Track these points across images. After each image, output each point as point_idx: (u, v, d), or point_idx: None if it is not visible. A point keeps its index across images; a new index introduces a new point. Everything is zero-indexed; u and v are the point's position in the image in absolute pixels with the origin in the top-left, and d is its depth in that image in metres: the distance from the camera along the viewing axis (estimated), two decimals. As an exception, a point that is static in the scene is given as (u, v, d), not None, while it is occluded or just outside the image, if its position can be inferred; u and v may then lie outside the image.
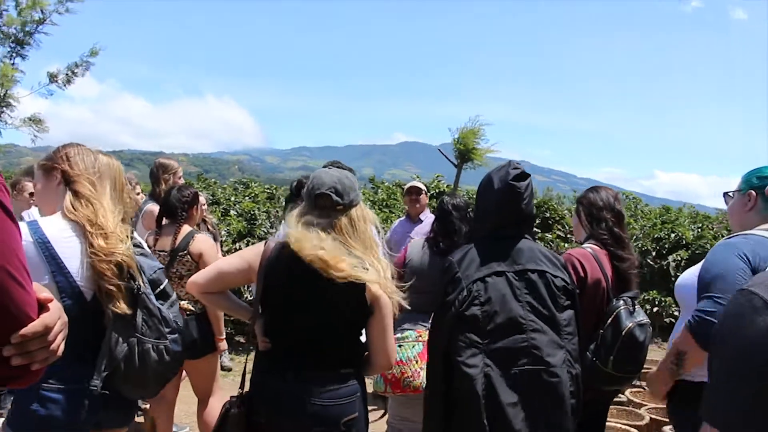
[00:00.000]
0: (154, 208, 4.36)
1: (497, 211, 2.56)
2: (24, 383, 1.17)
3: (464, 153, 8.78)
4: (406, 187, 5.68)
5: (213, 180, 9.59)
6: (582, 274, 2.88)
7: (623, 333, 2.77)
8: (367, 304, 2.31)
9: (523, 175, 2.53)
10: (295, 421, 2.29)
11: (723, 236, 10.95)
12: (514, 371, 2.34)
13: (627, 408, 5.19)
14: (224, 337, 3.98)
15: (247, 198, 8.73)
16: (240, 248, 7.73)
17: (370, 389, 2.97)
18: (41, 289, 1.15)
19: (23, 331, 1.08)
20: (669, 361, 2.42)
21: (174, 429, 4.74)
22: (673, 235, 10.27)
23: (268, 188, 9.53)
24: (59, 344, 1.14)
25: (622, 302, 2.87)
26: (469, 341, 2.38)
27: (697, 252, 10.08)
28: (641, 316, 2.85)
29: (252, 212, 8.12)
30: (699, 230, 10.91)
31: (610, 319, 2.83)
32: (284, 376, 2.31)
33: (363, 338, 2.47)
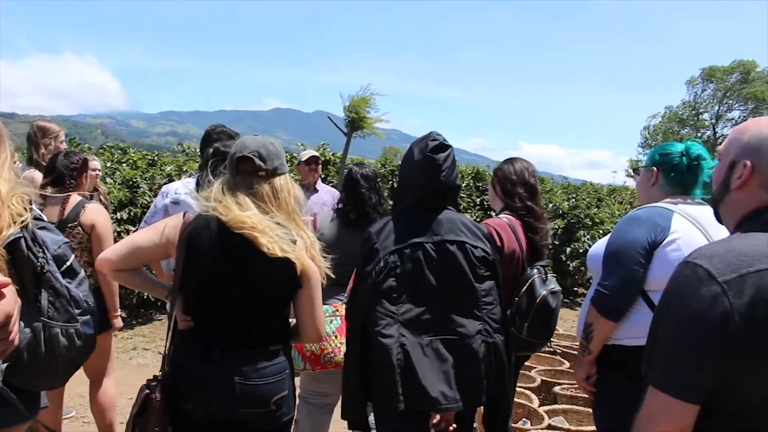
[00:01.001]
0: (35, 175, 3.97)
1: (417, 182, 2.53)
2: None
3: (355, 121, 8.72)
4: (305, 157, 5.59)
5: (87, 146, 8.91)
6: (499, 243, 2.94)
7: (537, 300, 2.86)
8: (296, 276, 2.23)
9: (443, 146, 2.51)
10: (223, 403, 2.18)
11: (592, 206, 11.73)
12: (428, 341, 2.35)
13: (520, 371, 5.43)
14: (119, 313, 3.74)
15: (125, 165, 8.21)
16: (122, 218, 7.30)
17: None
18: None
19: None
20: (581, 339, 2.54)
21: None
22: (550, 205, 10.79)
23: (148, 155, 9.00)
24: (16, 333, 0.99)
25: (536, 271, 2.96)
26: (385, 311, 2.37)
27: (572, 221, 10.68)
28: (553, 284, 2.96)
29: (133, 180, 7.67)
30: (573, 200, 11.53)
31: (525, 287, 2.92)
32: (209, 355, 2.19)
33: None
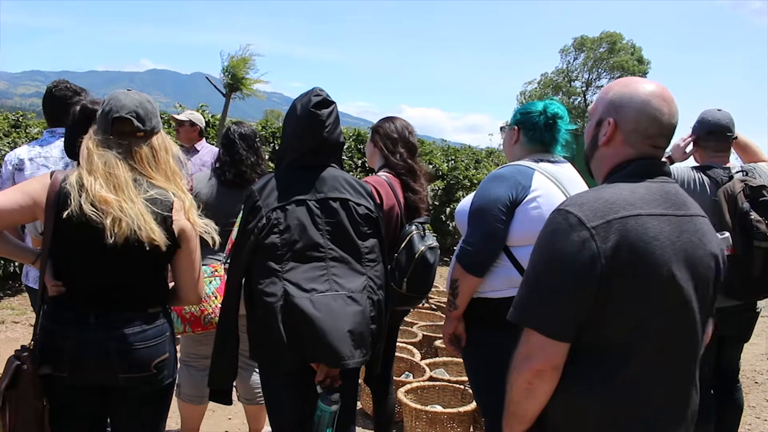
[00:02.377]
0: None
1: (299, 139, 2.51)
2: None
3: (234, 82, 8.49)
4: (182, 117, 5.43)
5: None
6: (378, 200, 2.99)
7: (416, 256, 2.94)
8: (174, 237, 2.17)
9: (326, 102, 2.50)
10: (101, 370, 2.11)
11: (471, 167, 12.13)
12: (315, 297, 2.35)
13: (402, 327, 5.59)
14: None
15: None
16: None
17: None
18: None
19: None
20: (448, 294, 2.65)
21: None
22: (430, 167, 11.04)
23: (12, 116, 8.32)
24: None
25: (414, 227, 3.04)
26: (268, 269, 2.36)
27: (451, 182, 11.00)
28: (431, 240, 3.05)
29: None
30: (452, 162, 11.86)
31: (404, 242, 2.99)
32: (85, 321, 2.11)
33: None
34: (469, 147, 15.72)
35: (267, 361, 2.46)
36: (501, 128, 2.93)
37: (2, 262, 6.65)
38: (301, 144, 2.49)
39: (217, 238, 2.33)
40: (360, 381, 3.24)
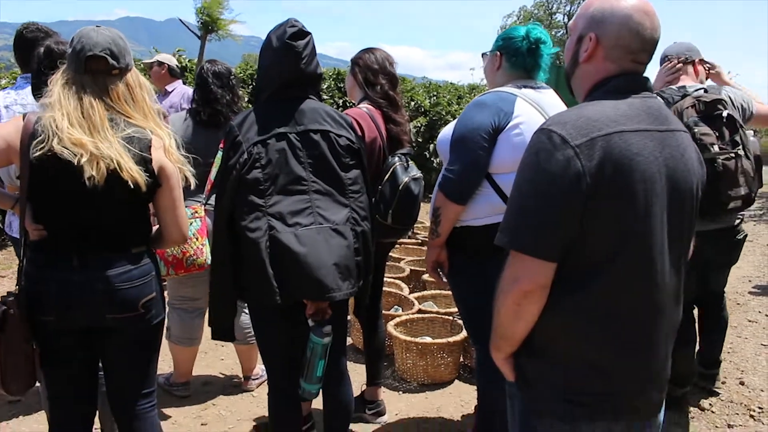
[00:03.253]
0: None
1: (276, 71, 2.45)
2: None
3: (208, 24, 8.28)
4: (153, 59, 5.31)
5: None
6: (360, 133, 2.95)
7: (400, 187, 2.93)
8: (154, 176, 2.13)
9: (302, 33, 2.42)
10: (89, 311, 2.11)
11: (453, 103, 12.03)
12: (299, 231, 2.34)
13: (390, 263, 5.63)
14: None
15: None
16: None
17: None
18: None
19: None
20: (430, 223, 2.65)
21: None
22: (412, 103, 10.94)
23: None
24: None
25: (397, 159, 3.01)
26: (252, 205, 2.33)
27: (434, 118, 10.92)
28: (414, 171, 3.03)
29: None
30: (435, 98, 11.75)
31: (387, 174, 2.97)
32: (68, 264, 2.08)
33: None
34: (451, 84, 15.56)
35: (255, 298, 2.45)
36: (482, 54, 2.87)
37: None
38: (278, 76, 2.43)
39: (192, 179, 2.29)
40: (349, 316, 3.27)
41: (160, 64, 5.34)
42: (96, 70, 2.09)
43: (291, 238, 2.30)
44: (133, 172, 2.04)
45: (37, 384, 2.22)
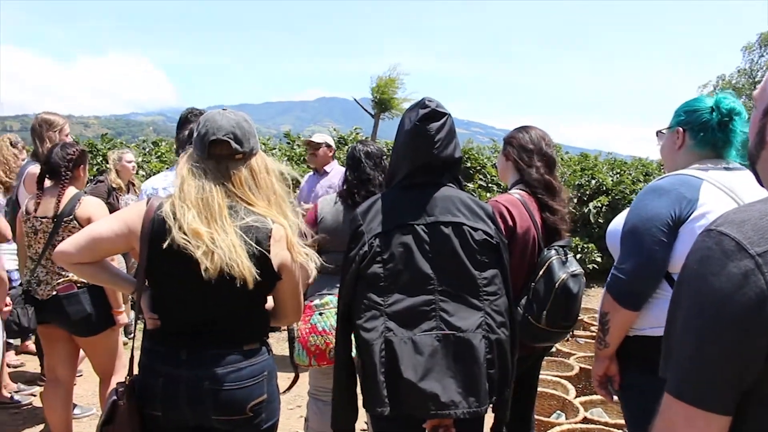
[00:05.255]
0: (37, 169, 3.86)
1: (407, 155, 2.24)
2: None
3: (382, 103, 8.49)
4: (313, 139, 5.42)
5: (119, 140, 8.92)
6: (510, 223, 2.64)
7: (556, 285, 2.57)
8: (273, 271, 2.00)
9: (436, 114, 2.20)
10: (194, 410, 1.98)
11: (639, 181, 11.19)
12: (420, 337, 2.07)
13: (557, 359, 5.10)
14: (123, 309, 3.59)
15: (155, 158, 8.15)
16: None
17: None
18: None
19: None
20: (597, 330, 2.25)
21: (78, 411, 4.35)
22: (593, 182, 10.33)
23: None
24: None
25: (554, 252, 2.65)
26: (369, 302, 2.11)
27: (617, 197, 10.21)
28: (574, 266, 2.65)
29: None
30: (618, 176, 11.03)
31: (542, 270, 2.63)
32: (177, 357, 1.98)
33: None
34: (639, 159, 14.57)
35: (369, 403, 2.16)
36: (658, 132, 2.46)
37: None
38: (409, 161, 2.22)
39: (314, 271, 2.13)
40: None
41: (328, 146, 5.42)
42: (219, 155, 2.02)
43: (407, 344, 2.03)
44: (244, 269, 1.91)
45: None
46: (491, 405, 2.19)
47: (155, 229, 1.95)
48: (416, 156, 2.20)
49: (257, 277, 1.93)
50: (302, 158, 9.21)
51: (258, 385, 2.03)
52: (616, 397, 2.39)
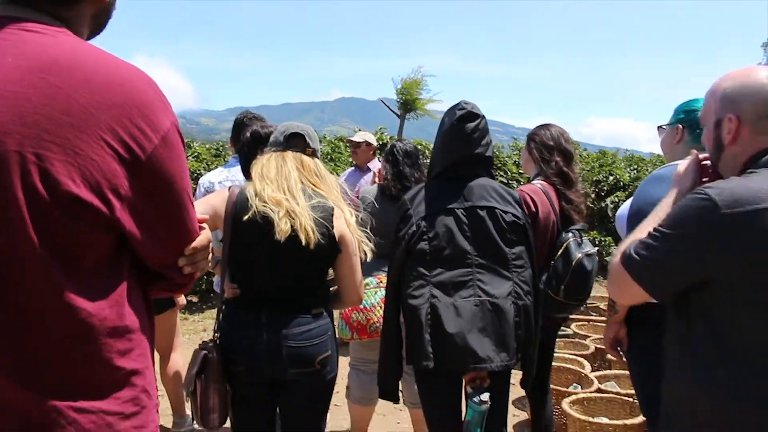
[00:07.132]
0: None
1: (445, 152, 2.64)
2: (184, 291, 1.35)
3: (407, 103, 8.84)
4: (355, 138, 5.80)
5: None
6: (533, 209, 3.02)
7: (573, 263, 2.94)
8: (335, 243, 2.38)
9: (471, 116, 2.58)
10: (273, 365, 2.34)
11: (657, 177, 11.44)
12: (460, 302, 2.45)
13: (573, 340, 5.46)
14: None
15: (191, 158, 8.58)
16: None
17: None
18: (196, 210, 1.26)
19: (194, 243, 1.22)
20: (608, 299, 2.61)
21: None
22: (611, 178, 10.62)
23: (214, 147, 9.36)
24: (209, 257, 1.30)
25: (570, 234, 3.03)
26: (417, 274, 2.51)
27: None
28: (588, 247, 3.03)
29: (198, 172, 8.00)
30: (635, 172, 11.30)
31: (561, 250, 3.00)
32: (257, 322, 2.35)
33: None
34: (658, 156, 14.77)
35: (415, 360, 2.57)
36: (659, 128, 2.82)
37: (205, 278, 7.44)
38: (448, 156, 2.62)
39: (369, 253, 2.49)
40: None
41: (369, 144, 5.75)
42: (295, 146, 2.44)
43: (449, 308, 2.42)
44: (309, 230, 2.27)
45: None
46: (518, 361, 2.58)
47: (238, 207, 2.34)
48: (453, 152, 2.60)
49: (321, 241, 2.31)
50: (329, 156, 9.61)
51: (324, 343, 2.41)
52: (625, 359, 2.74)
